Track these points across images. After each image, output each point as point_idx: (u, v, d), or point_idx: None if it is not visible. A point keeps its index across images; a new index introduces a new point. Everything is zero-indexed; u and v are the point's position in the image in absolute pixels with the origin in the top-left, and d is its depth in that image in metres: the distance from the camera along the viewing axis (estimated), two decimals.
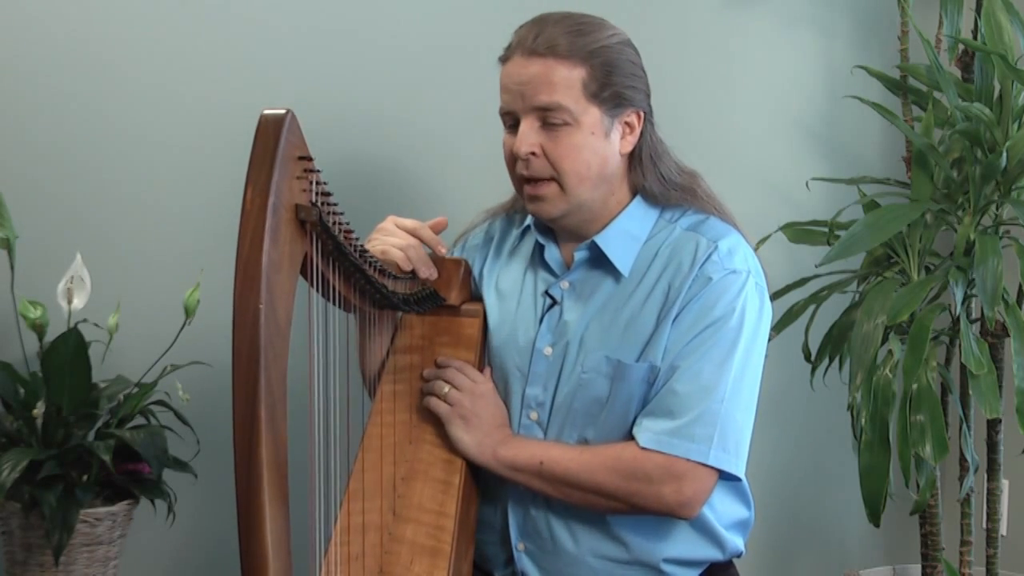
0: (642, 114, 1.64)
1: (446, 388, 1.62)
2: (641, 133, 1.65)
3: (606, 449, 1.59)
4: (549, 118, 1.58)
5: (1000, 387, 2.41)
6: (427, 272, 1.66)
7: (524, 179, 1.62)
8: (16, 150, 2.09)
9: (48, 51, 2.10)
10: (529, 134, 1.59)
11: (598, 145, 1.61)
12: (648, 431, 1.57)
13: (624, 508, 1.59)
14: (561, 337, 1.66)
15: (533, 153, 1.60)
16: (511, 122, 1.63)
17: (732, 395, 1.57)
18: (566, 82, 1.57)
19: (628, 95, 1.62)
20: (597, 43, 1.60)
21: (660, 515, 1.61)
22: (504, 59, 1.63)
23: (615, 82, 1.60)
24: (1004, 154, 2.43)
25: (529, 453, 1.60)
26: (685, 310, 1.59)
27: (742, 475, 1.60)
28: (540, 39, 1.58)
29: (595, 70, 1.59)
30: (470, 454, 1.61)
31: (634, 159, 1.66)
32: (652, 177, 1.66)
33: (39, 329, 1.92)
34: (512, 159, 1.63)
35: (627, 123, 1.63)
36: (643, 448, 1.56)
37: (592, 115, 1.59)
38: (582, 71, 1.58)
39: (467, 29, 2.48)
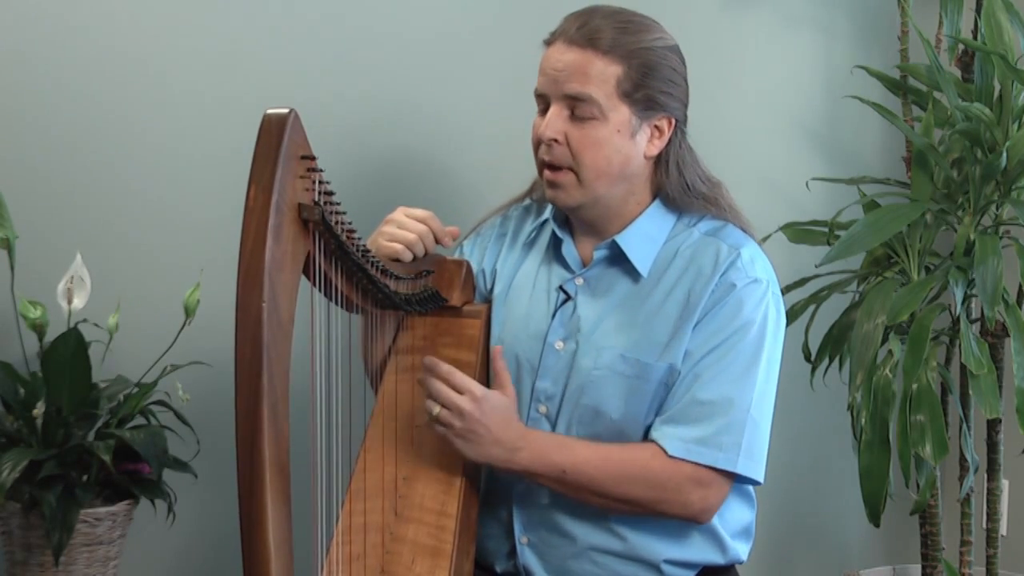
0: (674, 121, 1.65)
1: (436, 409, 1.53)
2: (670, 140, 1.65)
3: (632, 456, 1.58)
4: (577, 108, 1.60)
5: (1000, 387, 2.41)
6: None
7: (545, 164, 1.64)
8: (16, 150, 2.09)
9: (48, 50, 2.10)
10: (556, 121, 1.61)
11: (621, 144, 1.61)
12: (675, 439, 1.57)
13: (645, 513, 1.60)
14: (573, 333, 1.66)
15: (556, 140, 1.61)
16: (543, 105, 1.64)
17: (756, 404, 1.59)
18: (601, 76, 1.58)
19: (661, 100, 1.62)
20: (640, 44, 1.60)
21: (679, 520, 1.62)
22: (547, 43, 1.64)
23: (650, 85, 1.61)
24: (1004, 154, 2.43)
25: (549, 462, 1.56)
26: (708, 316, 1.60)
27: (763, 480, 1.63)
28: (584, 30, 1.59)
29: (632, 70, 1.59)
30: (481, 464, 1.60)
31: (660, 164, 1.67)
32: (676, 184, 1.67)
33: (39, 329, 1.92)
34: (538, 142, 1.64)
35: (656, 127, 1.64)
36: (672, 457, 1.57)
37: (621, 113, 1.60)
38: (618, 68, 1.59)
39: (472, 28, 2.48)
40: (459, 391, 1.53)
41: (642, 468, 1.57)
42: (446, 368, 1.54)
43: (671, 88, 1.63)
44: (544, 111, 1.64)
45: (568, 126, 1.61)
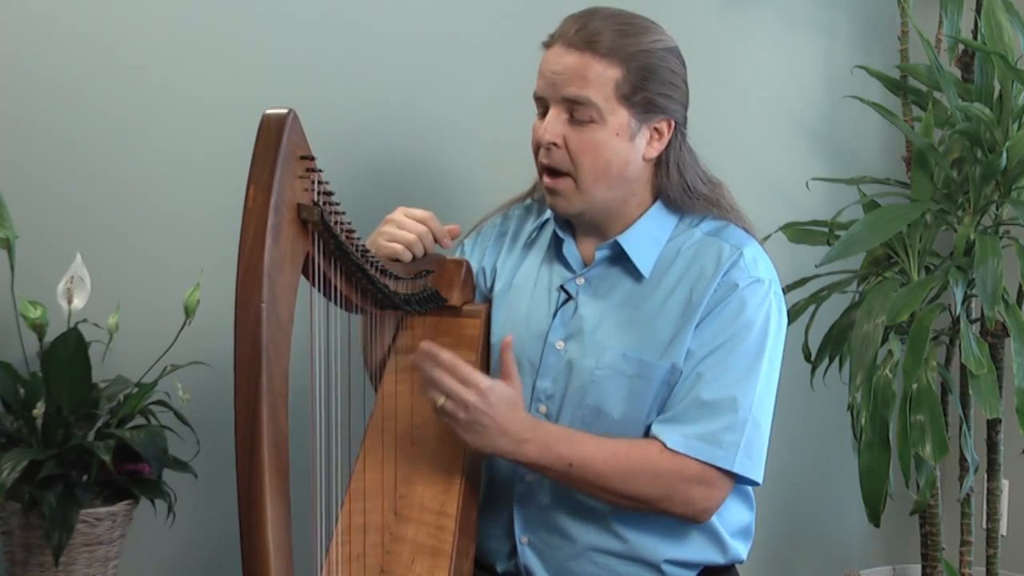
0: (673, 123, 1.64)
1: (440, 400, 1.51)
2: (669, 142, 1.65)
3: (640, 452, 1.57)
4: (576, 112, 1.59)
5: (1000, 387, 2.41)
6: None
7: (544, 168, 1.64)
8: (16, 149, 2.09)
9: (48, 50, 2.10)
10: (554, 124, 1.60)
11: (620, 147, 1.61)
12: (676, 434, 1.57)
13: (647, 510, 1.60)
14: (574, 332, 1.67)
15: (555, 143, 1.60)
16: (542, 108, 1.64)
17: (758, 403, 1.59)
18: (599, 80, 1.58)
19: (660, 103, 1.62)
20: (639, 46, 1.60)
21: (679, 519, 1.62)
22: (546, 45, 1.64)
23: (649, 88, 1.60)
24: (1004, 154, 2.43)
25: (556, 454, 1.54)
26: (710, 316, 1.60)
27: (761, 480, 1.62)
28: (583, 32, 1.58)
29: (631, 73, 1.59)
30: (487, 454, 1.59)
31: (659, 166, 1.66)
32: (676, 186, 1.67)
33: (39, 329, 1.92)
34: (537, 145, 1.64)
35: (656, 129, 1.63)
36: (676, 452, 1.56)
37: (620, 117, 1.60)
38: (617, 72, 1.58)
39: (473, 30, 2.48)
40: (464, 383, 1.49)
41: (649, 464, 1.57)
42: (448, 358, 1.50)
43: (670, 90, 1.63)
44: (543, 114, 1.63)
45: (567, 129, 1.61)
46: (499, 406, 1.51)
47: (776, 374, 1.65)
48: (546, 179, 1.64)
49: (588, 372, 1.64)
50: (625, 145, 1.62)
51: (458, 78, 2.47)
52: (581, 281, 1.69)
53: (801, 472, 3.01)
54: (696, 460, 1.57)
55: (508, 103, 2.43)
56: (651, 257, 1.66)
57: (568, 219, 1.72)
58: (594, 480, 1.56)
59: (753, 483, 1.63)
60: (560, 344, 1.67)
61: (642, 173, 1.66)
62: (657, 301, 1.64)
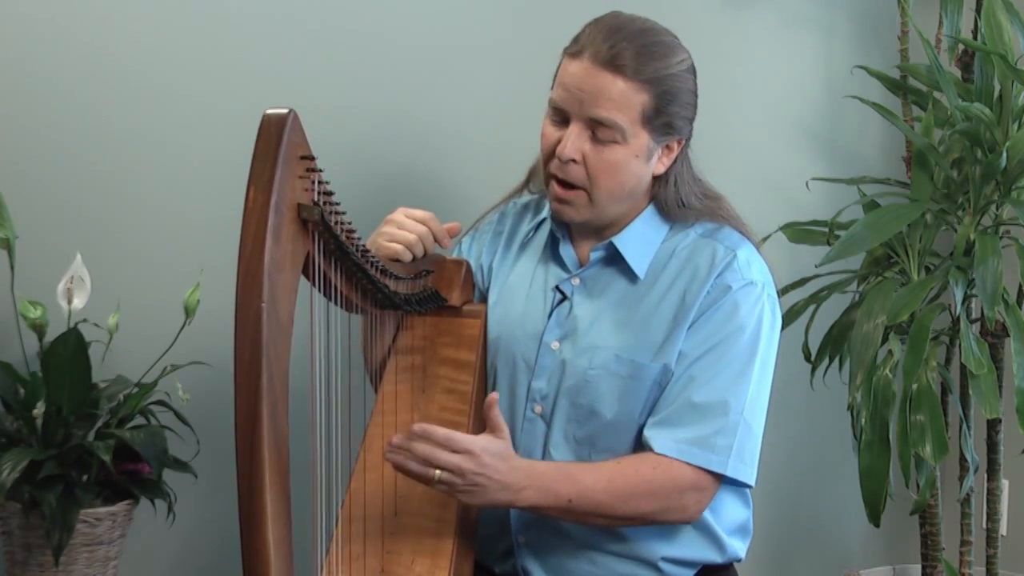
0: (682, 142, 1.65)
1: (437, 474, 1.44)
2: (675, 158, 1.65)
3: (634, 472, 1.56)
4: (599, 132, 1.59)
5: (1000, 387, 2.41)
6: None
7: (557, 179, 1.63)
8: (16, 150, 2.09)
9: (48, 50, 2.10)
10: (576, 140, 1.60)
11: (637, 168, 1.62)
12: (668, 439, 1.57)
13: (645, 524, 1.60)
14: (569, 332, 1.67)
15: (574, 160, 1.60)
16: (559, 118, 1.62)
17: (750, 406, 1.59)
18: (627, 103, 1.57)
19: (678, 124, 1.62)
20: (667, 70, 1.59)
21: (672, 524, 1.62)
22: (571, 54, 1.61)
23: (671, 112, 1.60)
24: (1004, 154, 2.43)
25: (554, 494, 1.52)
26: (703, 318, 1.60)
27: (754, 483, 1.63)
28: (613, 52, 1.57)
29: (657, 98, 1.59)
30: (489, 508, 1.58)
31: (659, 179, 1.67)
32: (671, 198, 1.67)
33: (39, 329, 1.92)
34: (550, 153, 1.63)
35: (667, 147, 1.64)
36: (668, 460, 1.56)
37: (641, 139, 1.60)
38: (645, 96, 1.58)
39: (471, 27, 2.48)
40: (456, 451, 1.45)
41: (644, 483, 1.56)
42: (443, 434, 1.44)
43: (687, 111, 1.64)
44: (560, 122, 1.62)
45: (587, 146, 1.60)
46: (493, 464, 1.47)
47: (769, 377, 1.65)
48: (557, 189, 1.63)
49: (581, 372, 1.64)
50: (642, 166, 1.62)
51: (459, 81, 2.47)
52: (576, 281, 1.69)
53: (801, 472, 3.01)
54: (689, 465, 1.57)
55: (507, 106, 2.44)
56: (646, 258, 1.66)
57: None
58: (595, 510, 1.55)
59: (746, 486, 1.63)
60: (555, 344, 1.67)
61: (647, 185, 1.67)
62: (651, 302, 1.64)
